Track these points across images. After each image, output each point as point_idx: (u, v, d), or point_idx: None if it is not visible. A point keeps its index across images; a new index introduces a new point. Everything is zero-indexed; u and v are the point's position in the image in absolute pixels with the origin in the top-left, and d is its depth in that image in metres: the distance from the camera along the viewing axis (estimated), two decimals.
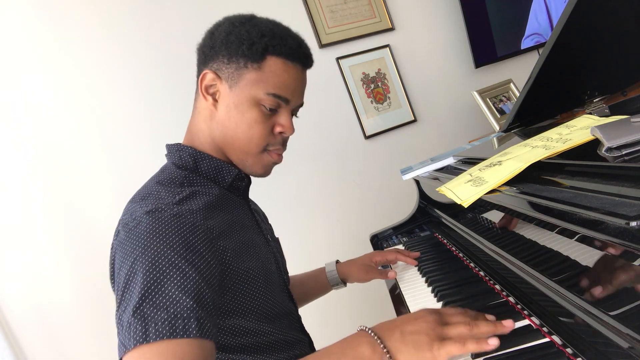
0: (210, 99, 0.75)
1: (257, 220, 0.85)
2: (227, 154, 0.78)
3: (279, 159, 0.80)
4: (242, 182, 0.80)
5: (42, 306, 1.54)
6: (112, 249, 0.66)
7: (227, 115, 0.74)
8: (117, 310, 0.59)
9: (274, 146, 0.78)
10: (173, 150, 0.78)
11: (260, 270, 0.73)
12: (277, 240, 0.94)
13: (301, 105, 0.81)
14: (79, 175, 1.60)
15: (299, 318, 0.89)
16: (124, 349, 0.54)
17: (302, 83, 0.78)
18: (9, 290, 1.51)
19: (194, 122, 0.80)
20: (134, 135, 1.66)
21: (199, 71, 0.77)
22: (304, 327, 0.90)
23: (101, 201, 1.61)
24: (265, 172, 0.80)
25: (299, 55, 0.75)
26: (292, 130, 0.78)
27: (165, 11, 1.73)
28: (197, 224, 0.64)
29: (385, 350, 0.53)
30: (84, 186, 1.60)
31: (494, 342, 0.53)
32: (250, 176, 0.84)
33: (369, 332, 0.56)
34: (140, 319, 0.54)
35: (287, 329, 0.78)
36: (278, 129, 0.77)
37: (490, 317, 0.59)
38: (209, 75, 0.74)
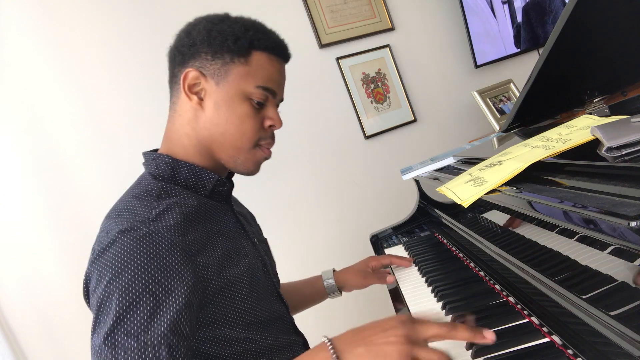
0: (195, 98, 0.73)
1: (242, 224, 0.83)
2: (216, 153, 0.76)
3: (270, 154, 0.80)
4: (223, 187, 0.78)
5: (42, 306, 1.54)
6: (87, 266, 0.65)
7: (216, 112, 0.73)
8: (92, 333, 0.58)
9: (265, 140, 0.78)
10: (149, 159, 0.76)
11: (245, 277, 0.72)
12: (265, 242, 0.93)
13: (282, 100, 0.81)
14: (79, 175, 1.60)
15: (291, 320, 0.87)
16: None
17: (284, 76, 0.79)
18: (9, 290, 1.51)
19: (173, 127, 0.77)
20: (135, 136, 1.66)
21: (176, 72, 0.75)
22: (297, 328, 0.89)
23: (101, 201, 1.61)
24: (256, 169, 0.79)
25: (280, 49, 0.76)
26: (281, 123, 0.78)
27: (166, 10, 1.73)
28: (174, 242, 0.62)
29: None
30: (85, 186, 1.60)
31: None
32: (234, 179, 0.84)
33: (329, 345, 0.53)
34: (111, 346, 0.54)
35: (278, 334, 0.77)
36: (268, 122, 0.77)
37: (468, 325, 0.54)
38: (192, 74, 0.72)
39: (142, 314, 0.56)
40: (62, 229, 1.57)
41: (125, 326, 0.55)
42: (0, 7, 1.54)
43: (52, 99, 1.59)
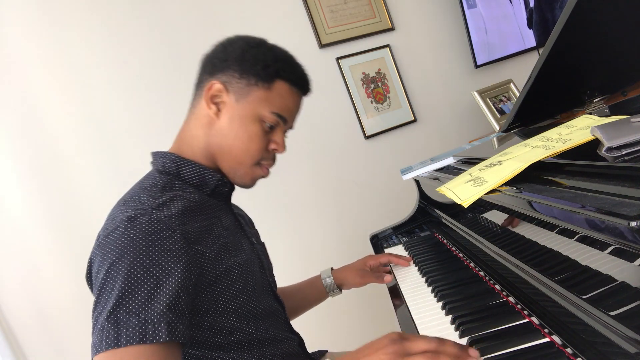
0: (214, 108, 0.79)
1: (241, 224, 0.87)
2: (219, 161, 0.81)
3: (267, 174, 0.85)
4: (224, 187, 0.83)
5: (42, 306, 1.54)
6: (92, 250, 0.68)
7: (230, 125, 0.78)
8: (93, 311, 0.62)
9: (266, 161, 0.83)
10: (157, 157, 0.81)
11: (240, 269, 0.75)
12: (263, 245, 0.96)
13: (291, 128, 0.87)
14: (79, 175, 1.60)
15: (286, 319, 0.89)
16: (95, 351, 0.57)
17: (299, 108, 0.86)
18: (9, 291, 1.51)
19: (188, 127, 0.83)
20: (135, 136, 1.66)
21: (203, 79, 0.81)
22: (292, 328, 0.91)
23: (101, 201, 1.61)
24: (251, 184, 0.85)
25: (302, 84, 0.84)
26: (284, 149, 0.84)
27: (165, 12, 1.73)
28: (174, 229, 0.66)
29: None
30: (85, 186, 1.60)
31: None
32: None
33: None
34: (114, 323, 0.57)
35: (272, 329, 0.80)
36: (272, 146, 0.82)
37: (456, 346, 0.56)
38: (217, 86, 0.78)
39: (142, 294, 0.59)
40: (62, 229, 1.57)
41: (127, 305, 0.58)
42: (0, 8, 1.54)
43: (52, 99, 1.59)
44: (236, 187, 0.87)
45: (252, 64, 0.77)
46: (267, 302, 0.82)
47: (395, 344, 0.56)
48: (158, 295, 0.60)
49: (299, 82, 0.82)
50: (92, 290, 0.68)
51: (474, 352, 0.54)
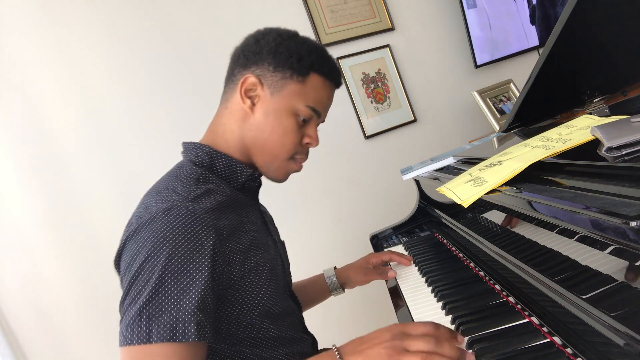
0: (248, 101, 0.79)
1: (266, 222, 0.87)
2: (253, 155, 0.81)
3: (301, 168, 0.86)
4: (254, 182, 0.83)
5: (42, 306, 1.54)
6: (122, 238, 0.68)
7: (265, 119, 0.78)
8: (124, 299, 0.62)
9: (300, 155, 0.84)
10: (190, 147, 0.80)
11: (266, 268, 0.75)
12: (282, 243, 0.96)
13: (323, 121, 0.86)
14: (79, 175, 1.60)
15: (301, 319, 0.90)
16: (125, 342, 0.58)
17: (331, 101, 0.85)
18: (9, 291, 1.51)
19: (221, 120, 0.82)
20: (135, 136, 1.66)
21: (236, 72, 0.80)
22: (306, 328, 0.92)
23: (101, 201, 1.61)
24: (285, 178, 0.85)
25: (336, 77, 0.83)
26: (318, 142, 0.84)
27: (166, 12, 1.73)
28: (209, 224, 0.66)
29: None
30: (84, 186, 1.60)
31: None
32: (261, 179, 0.87)
33: (335, 351, 0.61)
34: (146, 318, 0.58)
35: (289, 328, 0.80)
36: (306, 140, 0.83)
37: (453, 333, 0.60)
38: (251, 80, 0.78)
39: (176, 290, 0.60)
40: (62, 229, 1.57)
41: (160, 301, 0.59)
42: (0, 8, 1.54)
43: (52, 99, 1.59)
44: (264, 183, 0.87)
45: (287, 57, 0.77)
46: (286, 302, 0.82)
47: (395, 339, 0.58)
48: (190, 294, 0.60)
49: (332, 75, 0.82)
50: (119, 275, 0.68)
51: (471, 356, 0.57)
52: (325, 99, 0.82)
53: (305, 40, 0.80)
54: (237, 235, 0.71)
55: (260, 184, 0.87)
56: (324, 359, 0.61)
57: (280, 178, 0.85)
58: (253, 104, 0.79)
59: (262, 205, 0.96)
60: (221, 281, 0.67)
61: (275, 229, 0.97)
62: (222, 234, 0.68)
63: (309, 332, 0.91)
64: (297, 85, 0.78)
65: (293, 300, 0.88)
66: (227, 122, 0.81)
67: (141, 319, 0.58)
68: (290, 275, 0.94)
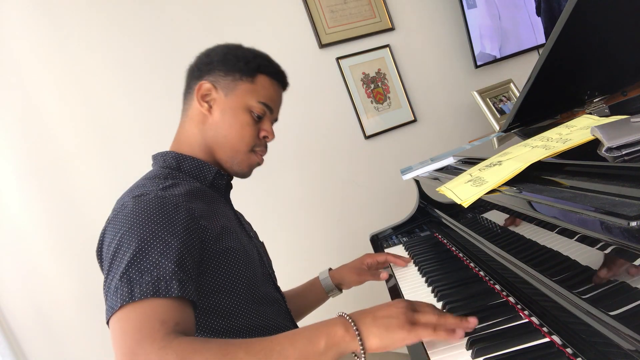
0: (205, 105, 0.86)
1: (239, 218, 0.93)
2: (216, 152, 0.87)
3: (262, 161, 0.92)
4: (222, 180, 0.88)
5: (42, 306, 1.54)
6: (103, 227, 0.72)
7: (222, 117, 0.86)
8: (105, 281, 0.65)
9: (259, 147, 0.90)
10: (157, 157, 0.87)
11: (240, 251, 0.79)
12: (262, 244, 0.99)
13: (276, 120, 0.93)
14: (79, 175, 1.60)
15: (287, 310, 0.92)
16: (111, 311, 0.59)
17: (280, 100, 0.93)
18: (9, 291, 1.51)
19: (183, 128, 0.90)
20: (135, 136, 1.66)
21: (192, 85, 0.88)
22: (293, 319, 0.93)
23: (101, 201, 1.61)
24: (249, 171, 0.91)
25: (281, 77, 0.92)
26: (273, 135, 0.90)
27: (166, 13, 1.73)
28: (179, 204, 0.71)
29: (357, 332, 0.58)
30: (84, 186, 1.60)
31: (460, 334, 0.59)
32: (233, 178, 0.92)
33: (346, 316, 0.61)
34: (127, 282, 0.60)
35: (274, 316, 0.83)
36: (263, 133, 0.89)
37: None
38: (206, 85, 0.86)
39: (153, 255, 0.63)
40: (62, 228, 1.57)
41: (139, 265, 0.61)
42: (0, 8, 1.54)
43: (52, 99, 1.60)
44: (233, 186, 0.91)
45: (235, 62, 0.86)
46: (267, 289, 0.85)
47: (404, 301, 0.62)
48: (167, 255, 0.63)
49: (278, 76, 0.90)
50: (101, 267, 0.71)
51: (472, 318, 0.60)
52: (274, 96, 0.90)
53: (250, 48, 0.90)
54: (208, 218, 0.75)
55: (229, 184, 0.92)
56: (335, 325, 0.60)
57: (245, 171, 0.90)
58: (210, 107, 0.86)
59: (237, 212, 0.99)
60: (197, 249, 0.69)
61: (254, 231, 1.00)
62: (193, 213, 0.72)
63: (295, 322, 0.93)
64: (247, 85, 0.86)
65: (277, 290, 0.91)
66: (188, 128, 0.88)
67: (122, 284, 0.60)
68: (273, 272, 0.97)
